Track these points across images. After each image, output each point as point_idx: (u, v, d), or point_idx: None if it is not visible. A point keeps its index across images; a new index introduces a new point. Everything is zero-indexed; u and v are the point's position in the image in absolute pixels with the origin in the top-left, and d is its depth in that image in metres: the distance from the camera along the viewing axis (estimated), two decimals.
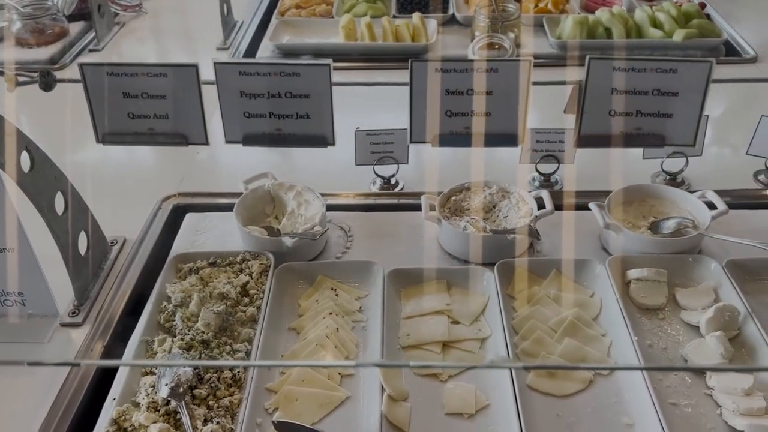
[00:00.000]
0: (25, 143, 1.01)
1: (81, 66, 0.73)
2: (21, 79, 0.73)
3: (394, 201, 1.42)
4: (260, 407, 0.97)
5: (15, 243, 1.07)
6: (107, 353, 1.09)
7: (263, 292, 1.14)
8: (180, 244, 1.31)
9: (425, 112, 0.73)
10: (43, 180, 1.05)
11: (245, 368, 1.01)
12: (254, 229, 1.24)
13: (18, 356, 1.09)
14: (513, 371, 0.98)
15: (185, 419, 0.91)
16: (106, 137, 0.75)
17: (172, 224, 1.40)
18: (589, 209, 1.26)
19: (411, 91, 0.73)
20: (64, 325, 1.14)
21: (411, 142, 0.78)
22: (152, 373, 1.01)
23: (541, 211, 1.21)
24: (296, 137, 0.74)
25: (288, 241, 1.19)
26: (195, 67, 0.71)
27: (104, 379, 1.05)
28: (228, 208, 1.40)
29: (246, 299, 1.13)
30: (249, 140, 0.74)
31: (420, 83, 0.72)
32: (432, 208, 1.25)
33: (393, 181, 1.47)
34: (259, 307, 1.11)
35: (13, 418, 1.00)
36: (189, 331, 1.05)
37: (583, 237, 1.28)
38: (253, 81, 0.72)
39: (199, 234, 1.35)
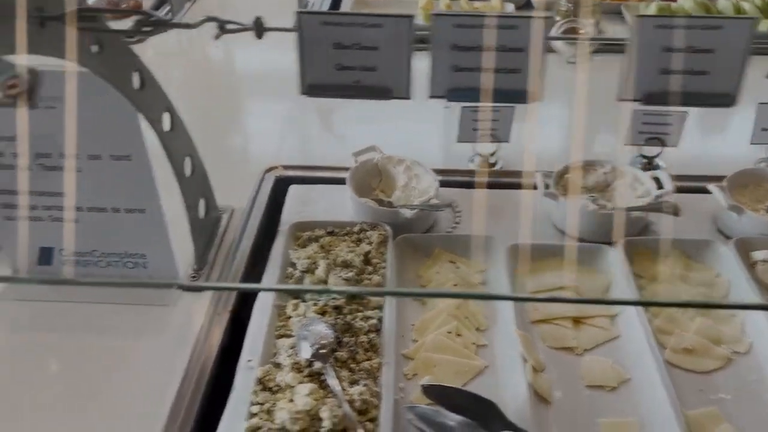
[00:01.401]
0: (166, 102, 1.02)
1: (298, 14, 0.72)
2: (230, 27, 0.73)
3: (498, 179, 1.42)
4: (399, 372, 0.98)
5: (146, 204, 1.08)
6: (235, 317, 1.10)
7: (385, 262, 1.14)
8: (288, 215, 1.32)
9: (645, 69, 0.72)
10: (179, 141, 1.06)
11: (379, 334, 1.01)
12: (368, 200, 1.24)
13: (142, 320, 1.10)
14: (651, 346, 0.97)
15: (333, 381, 0.91)
16: (311, 89, 0.75)
17: (274, 195, 1.41)
18: (696, 192, 1.27)
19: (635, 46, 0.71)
20: (185, 289, 1.15)
21: (620, 99, 0.77)
22: (287, 336, 1.02)
23: (662, 190, 1.20)
24: (504, 92, 0.73)
25: (407, 213, 1.19)
26: (410, 18, 0.70)
27: (231, 343, 1.06)
28: (330, 180, 1.41)
29: (369, 268, 1.13)
30: (454, 95, 0.74)
31: (643, 37, 0.70)
32: (547, 185, 1.24)
33: (492, 159, 1.47)
34: (383, 276, 1.11)
35: (149, 374, 1.01)
36: (320, 296, 1.05)
37: (694, 219, 1.27)
38: (468, 34, 0.71)
39: (305, 205, 1.35)
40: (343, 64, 0.72)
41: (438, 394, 0.89)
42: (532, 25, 0.70)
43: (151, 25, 0.73)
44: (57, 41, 0.68)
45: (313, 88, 0.74)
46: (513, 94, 0.73)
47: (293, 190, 1.39)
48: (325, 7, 2.27)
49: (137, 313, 1.11)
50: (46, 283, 1.14)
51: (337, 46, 0.71)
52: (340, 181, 1.36)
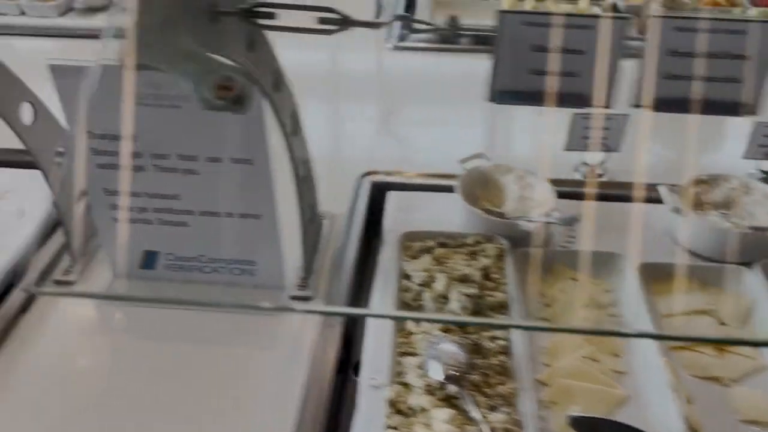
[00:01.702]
0: (293, 105, 0.97)
1: (500, 13, 0.67)
2: (422, 27, 0.67)
3: (609, 191, 1.34)
4: (535, 399, 0.91)
5: (262, 209, 1.03)
6: (348, 330, 1.05)
7: (505, 278, 1.08)
8: (389, 223, 1.26)
9: None
10: (300, 145, 1.01)
11: (509, 356, 0.95)
12: (483, 212, 1.18)
13: (250, 330, 1.05)
14: None
15: (473, 408, 0.85)
16: (501, 96, 0.69)
17: (371, 202, 1.35)
18: None
19: None
20: (293, 298, 1.10)
21: None
22: (411, 354, 0.96)
23: None
24: (714, 103, 0.67)
25: (529, 226, 1.12)
26: (625, 20, 0.64)
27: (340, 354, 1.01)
28: (429, 188, 1.35)
29: (490, 284, 1.07)
30: (662, 105, 0.68)
31: None
32: (672, 200, 1.17)
33: (599, 170, 1.40)
34: (506, 293, 1.05)
35: (268, 388, 0.96)
36: (443, 312, 1.00)
37: None
38: (683, 38, 0.65)
39: (405, 213, 1.29)
40: (540, 69, 0.66)
41: (588, 426, 0.83)
42: (752, 30, 0.64)
43: (336, 23, 0.68)
44: (221, 38, 0.64)
45: (503, 95, 0.68)
46: (727, 106, 0.67)
47: (392, 196, 1.33)
48: (400, 8, 2.21)
49: (244, 322, 1.07)
50: (147, 301, 1.10)
51: (537, 49, 0.65)
52: (439, 188, 1.31)
